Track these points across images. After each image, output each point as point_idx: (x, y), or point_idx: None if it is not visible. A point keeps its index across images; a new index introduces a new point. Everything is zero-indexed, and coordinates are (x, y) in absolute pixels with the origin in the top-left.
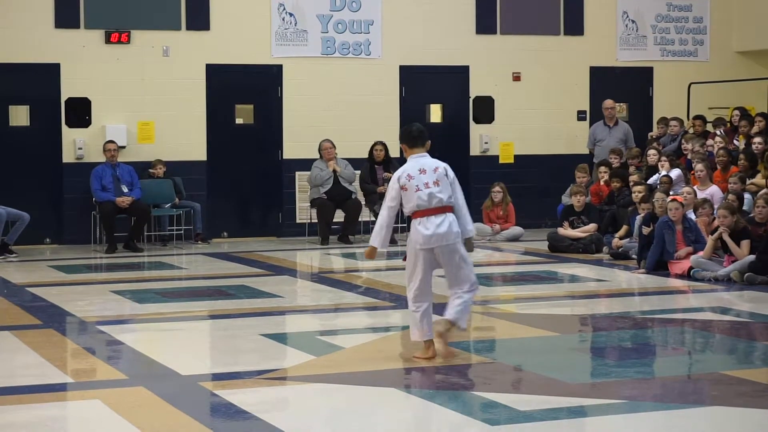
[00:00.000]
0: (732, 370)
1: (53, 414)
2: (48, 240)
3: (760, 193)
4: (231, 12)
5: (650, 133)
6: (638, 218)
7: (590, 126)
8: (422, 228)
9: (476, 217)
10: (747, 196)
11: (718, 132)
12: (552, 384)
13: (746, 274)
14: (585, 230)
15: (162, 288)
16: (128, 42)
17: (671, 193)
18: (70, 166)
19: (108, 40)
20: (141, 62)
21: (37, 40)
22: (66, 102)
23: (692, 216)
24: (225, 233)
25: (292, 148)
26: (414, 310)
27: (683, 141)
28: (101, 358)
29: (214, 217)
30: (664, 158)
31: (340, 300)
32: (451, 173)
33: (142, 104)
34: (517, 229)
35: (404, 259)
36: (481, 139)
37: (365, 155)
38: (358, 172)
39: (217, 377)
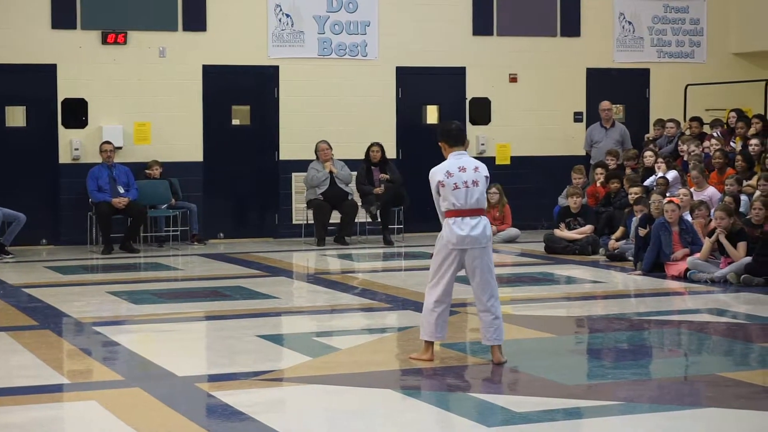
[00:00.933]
0: (728, 372)
1: (49, 415)
2: (44, 241)
3: (756, 194)
4: (227, 13)
5: (647, 135)
6: (635, 220)
7: (587, 127)
8: (457, 228)
9: None
10: (744, 197)
11: (714, 134)
12: (548, 385)
13: (743, 276)
14: (581, 232)
15: (158, 289)
16: (125, 43)
17: (668, 194)
18: (66, 167)
19: (104, 41)
20: (137, 63)
21: (34, 41)
22: (62, 102)
23: (688, 217)
24: (221, 234)
25: (288, 150)
26: (433, 308)
27: (680, 143)
28: (97, 359)
29: (211, 218)
30: (660, 160)
31: (337, 301)
32: (488, 173)
33: (139, 105)
34: (513, 231)
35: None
36: (477, 140)
37: (362, 156)
38: (355, 173)
39: (214, 378)
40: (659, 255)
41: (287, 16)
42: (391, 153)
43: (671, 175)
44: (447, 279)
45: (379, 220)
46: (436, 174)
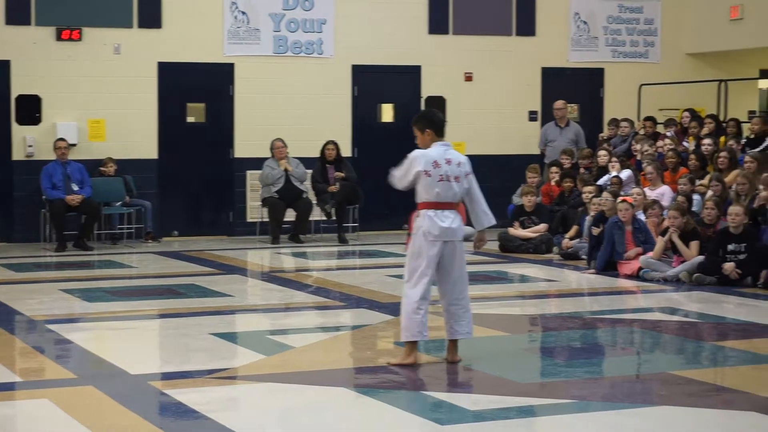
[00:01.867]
0: (680, 370)
1: (1, 414)
2: None
3: (709, 194)
4: (183, 10)
5: (601, 134)
6: (588, 219)
7: (542, 126)
8: (438, 220)
9: None
10: (696, 197)
11: (668, 133)
12: (502, 383)
13: (695, 275)
14: (535, 230)
15: (112, 287)
16: (80, 39)
17: (621, 193)
18: (19, 164)
19: (59, 37)
20: (92, 60)
21: None
22: (16, 99)
23: (642, 217)
24: (176, 232)
25: (243, 147)
26: (419, 306)
27: (634, 142)
28: (50, 357)
29: (165, 215)
30: (614, 159)
31: (291, 299)
32: (471, 170)
33: (94, 102)
34: (468, 229)
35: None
36: None
37: (317, 154)
38: (310, 171)
39: (167, 376)
40: (612, 254)
41: (243, 13)
42: (346, 151)
43: (625, 174)
44: (431, 274)
45: (334, 218)
46: (420, 161)
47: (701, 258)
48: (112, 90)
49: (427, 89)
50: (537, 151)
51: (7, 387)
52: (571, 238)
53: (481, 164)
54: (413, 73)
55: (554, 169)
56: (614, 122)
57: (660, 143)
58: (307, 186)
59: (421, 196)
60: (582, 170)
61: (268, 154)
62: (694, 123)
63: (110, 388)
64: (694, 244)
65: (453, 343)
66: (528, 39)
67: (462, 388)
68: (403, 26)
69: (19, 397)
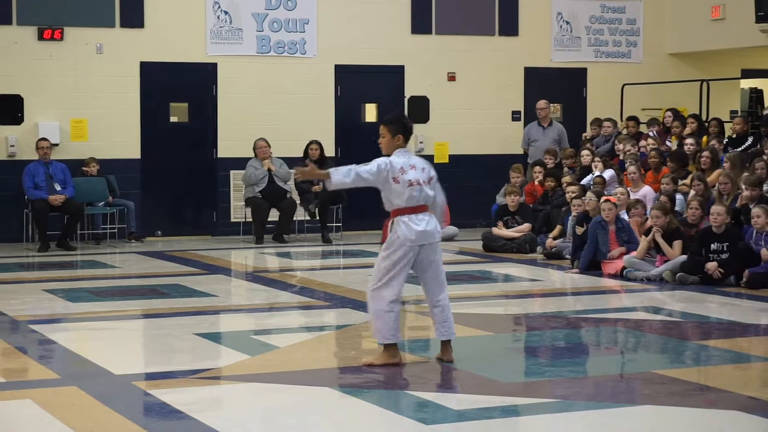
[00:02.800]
0: (663, 370)
1: None
2: None
3: (692, 194)
4: (165, 9)
5: (584, 134)
6: (571, 218)
7: (524, 126)
8: (413, 224)
9: None
10: (679, 196)
11: (650, 133)
12: (486, 383)
13: (678, 274)
14: (519, 230)
15: (95, 287)
16: (61, 39)
17: (605, 193)
18: (1, 164)
19: (41, 37)
20: (74, 59)
21: None
22: None
23: (625, 216)
24: (159, 232)
25: (226, 147)
26: (390, 309)
27: (616, 142)
28: (33, 358)
29: (148, 215)
30: (597, 159)
31: (275, 299)
32: (434, 172)
33: (76, 102)
34: (451, 229)
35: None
36: (416, 138)
37: (300, 154)
38: (293, 171)
39: (151, 377)
40: (596, 253)
41: (226, 13)
42: (329, 151)
43: (608, 174)
44: (402, 277)
45: (318, 218)
46: (388, 168)
47: (684, 257)
48: (95, 90)
49: (410, 89)
50: (520, 151)
51: None
52: (555, 238)
53: (464, 164)
54: (396, 72)
55: (538, 168)
56: (597, 122)
57: (643, 143)
58: (290, 186)
59: (393, 203)
60: (565, 170)
61: (251, 154)
62: (676, 123)
63: (94, 389)
64: (677, 244)
65: (444, 344)
66: (511, 39)
67: (446, 387)
68: (385, 26)
69: (1, 397)
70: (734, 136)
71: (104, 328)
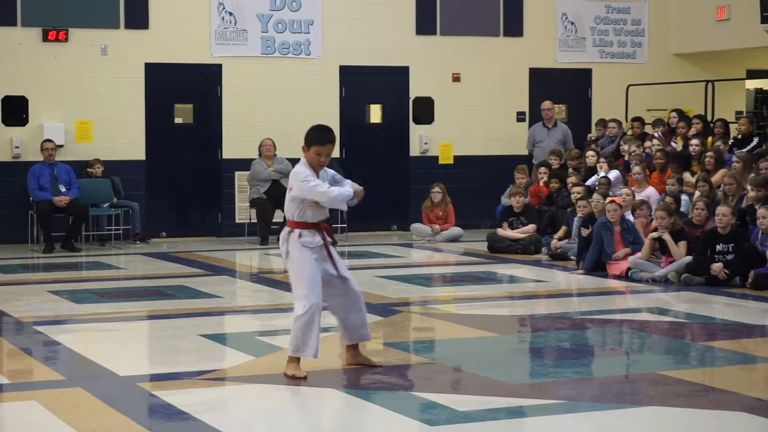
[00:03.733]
0: (669, 371)
1: None
2: None
3: (698, 195)
4: (170, 11)
5: (589, 135)
6: (577, 219)
7: (529, 127)
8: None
9: (416, 217)
10: (684, 197)
11: (655, 134)
12: (491, 384)
13: (683, 275)
14: (524, 231)
15: (100, 288)
16: (66, 40)
17: (610, 194)
18: (6, 165)
19: (45, 38)
20: (79, 61)
21: None
22: (2, 100)
23: (630, 217)
24: (164, 233)
25: (231, 148)
26: (314, 320)
27: (622, 142)
28: (38, 359)
29: (153, 216)
30: (602, 160)
31: (280, 300)
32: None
33: (80, 103)
34: (456, 230)
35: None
36: (420, 139)
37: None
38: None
39: (156, 378)
40: (601, 254)
41: (230, 14)
42: (334, 152)
43: (613, 174)
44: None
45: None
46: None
47: (689, 258)
48: (99, 91)
49: (415, 90)
50: (525, 152)
51: None
52: (560, 239)
53: (469, 165)
54: (401, 73)
55: (543, 169)
56: (602, 123)
57: (648, 144)
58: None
59: (305, 214)
60: (570, 170)
61: (256, 155)
62: (681, 123)
63: (98, 390)
64: (683, 244)
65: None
66: (515, 40)
67: (451, 389)
68: (390, 27)
69: (6, 398)
70: (740, 136)
71: (109, 330)
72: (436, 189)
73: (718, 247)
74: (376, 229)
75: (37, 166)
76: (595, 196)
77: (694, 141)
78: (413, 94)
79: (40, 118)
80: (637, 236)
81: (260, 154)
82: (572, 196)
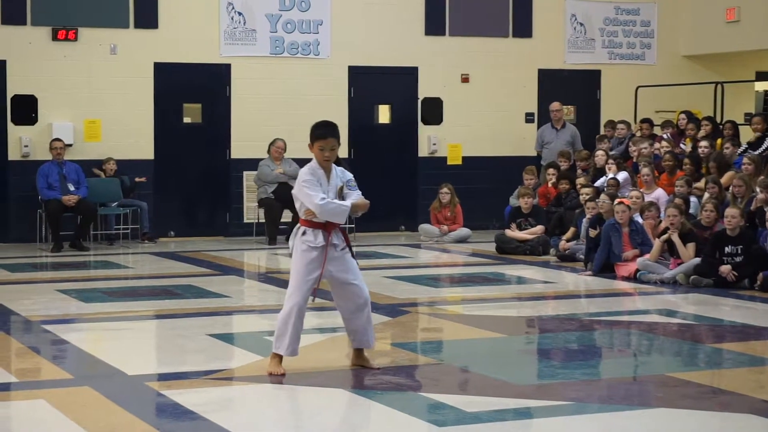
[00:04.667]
0: (677, 372)
1: None
2: None
3: (707, 197)
4: (179, 10)
5: (598, 136)
6: (585, 220)
7: (538, 128)
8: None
9: (424, 218)
10: (693, 199)
11: (664, 135)
12: (499, 385)
13: (692, 277)
14: (532, 232)
15: (108, 287)
16: (75, 39)
17: (618, 195)
18: (15, 164)
19: (55, 38)
20: (88, 60)
21: None
22: (12, 99)
23: (639, 219)
24: (172, 232)
25: (240, 148)
26: (291, 319)
27: (631, 144)
28: (46, 358)
29: (161, 216)
30: (611, 161)
31: None
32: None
33: (89, 102)
34: (464, 231)
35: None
36: (429, 140)
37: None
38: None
39: (164, 377)
40: (609, 256)
41: (239, 14)
42: (343, 152)
43: (621, 176)
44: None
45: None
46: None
47: (698, 260)
48: (108, 90)
49: (424, 90)
50: (533, 153)
51: (3, 387)
52: (568, 240)
53: (478, 166)
54: (410, 74)
55: (551, 170)
56: (611, 124)
57: (657, 145)
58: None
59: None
60: (579, 171)
61: (264, 155)
62: (690, 125)
63: (107, 389)
64: (691, 246)
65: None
66: (524, 41)
67: (459, 389)
68: (399, 27)
69: (14, 397)
70: (758, 134)
71: (117, 329)
72: (445, 190)
73: (727, 249)
74: (384, 230)
75: (45, 165)
76: (602, 196)
77: (703, 143)
78: (422, 94)
79: (49, 118)
80: (646, 238)
81: (269, 152)
82: (581, 197)
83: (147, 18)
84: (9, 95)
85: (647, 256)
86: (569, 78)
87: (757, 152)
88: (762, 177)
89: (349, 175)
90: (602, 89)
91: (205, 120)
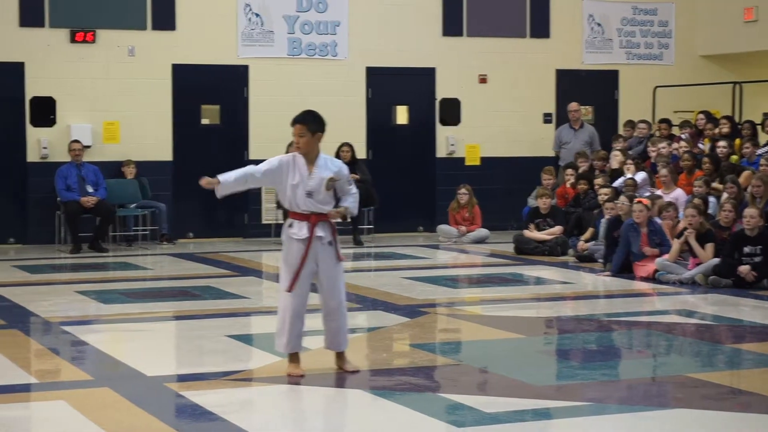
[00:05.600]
0: (696, 373)
1: (17, 415)
2: (12, 240)
3: (725, 197)
4: (197, 12)
5: (614, 136)
6: (604, 221)
7: (556, 129)
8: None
9: (442, 218)
10: (712, 199)
11: (682, 136)
12: (518, 386)
13: (710, 277)
14: (550, 233)
15: (127, 288)
16: (93, 41)
17: (636, 195)
18: (34, 166)
19: (73, 39)
20: (106, 62)
21: (2, 39)
22: (30, 101)
23: (657, 219)
24: (190, 234)
25: (258, 149)
26: (286, 316)
27: (649, 144)
28: (66, 359)
29: (180, 217)
30: (629, 161)
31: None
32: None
33: (108, 104)
34: (482, 231)
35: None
36: (447, 141)
37: (332, 156)
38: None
39: (183, 378)
40: (628, 256)
41: (257, 15)
42: (361, 153)
43: (640, 176)
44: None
45: (349, 220)
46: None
47: (717, 260)
48: (127, 92)
49: (442, 91)
50: (551, 153)
51: (23, 388)
52: (587, 241)
53: (496, 166)
54: (427, 75)
55: (569, 171)
56: (630, 124)
57: (675, 145)
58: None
59: (294, 203)
60: (597, 172)
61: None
62: (709, 125)
63: (126, 390)
64: (710, 246)
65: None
66: (542, 41)
67: (478, 390)
68: (417, 28)
69: (34, 398)
70: None
71: (136, 330)
72: (463, 190)
73: (746, 249)
74: (402, 231)
75: (64, 167)
76: (621, 197)
77: (721, 143)
78: (440, 95)
79: (68, 119)
80: (664, 238)
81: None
82: (599, 197)
83: (165, 19)
84: (28, 97)
85: (666, 256)
86: (587, 78)
87: None
88: None
89: (345, 171)
90: (620, 89)
91: (223, 121)
